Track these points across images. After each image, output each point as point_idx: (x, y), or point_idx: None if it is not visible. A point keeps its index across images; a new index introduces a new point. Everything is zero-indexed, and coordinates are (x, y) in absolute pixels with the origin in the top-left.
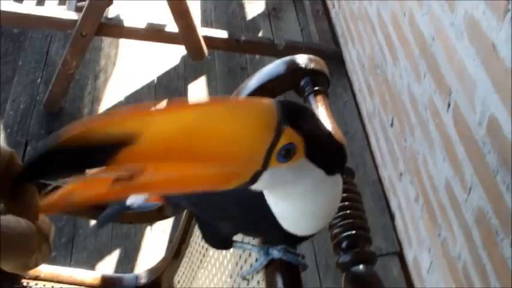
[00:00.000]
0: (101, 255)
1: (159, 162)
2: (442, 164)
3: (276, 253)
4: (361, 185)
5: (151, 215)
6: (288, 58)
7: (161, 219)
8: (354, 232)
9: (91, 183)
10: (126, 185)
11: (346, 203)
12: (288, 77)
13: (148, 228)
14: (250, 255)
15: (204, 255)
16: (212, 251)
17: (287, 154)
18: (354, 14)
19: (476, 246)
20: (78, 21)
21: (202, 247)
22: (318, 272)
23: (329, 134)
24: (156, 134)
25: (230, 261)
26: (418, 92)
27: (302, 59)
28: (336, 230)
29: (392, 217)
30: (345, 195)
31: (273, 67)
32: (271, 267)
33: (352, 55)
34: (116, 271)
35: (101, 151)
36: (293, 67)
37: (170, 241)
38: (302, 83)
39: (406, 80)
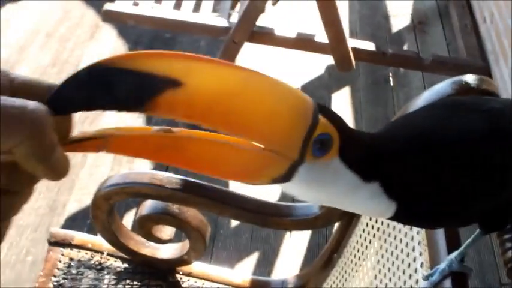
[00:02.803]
0: (240, 256)
1: (199, 119)
2: None
3: (455, 265)
4: None
5: (308, 223)
6: (458, 78)
7: (319, 227)
8: None
9: (128, 135)
10: (162, 138)
11: None
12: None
13: (288, 234)
14: (408, 265)
15: (359, 266)
16: (370, 262)
17: (322, 147)
18: (510, 29)
19: None
20: (232, 29)
21: (358, 258)
22: (497, 265)
23: (367, 136)
24: (200, 85)
25: (392, 271)
26: None
27: (473, 79)
28: (508, 245)
29: None
30: None
31: (444, 86)
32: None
33: (503, 72)
34: (254, 273)
35: (144, 85)
36: (465, 87)
37: (308, 248)
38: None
39: None
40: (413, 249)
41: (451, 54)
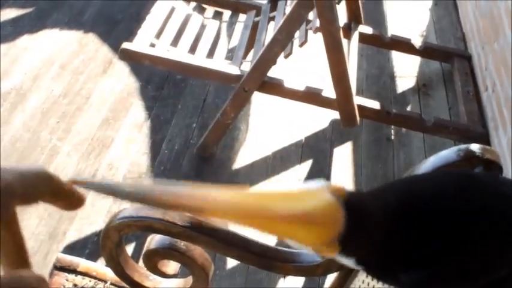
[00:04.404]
0: None
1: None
2: None
3: None
4: None
5: (309, 270)
6: (463, 146)
7: (318, 275)
8: None
9: None
10: None
11: None
12: (463, 164)
13: (281, 279)
14: None
15: None
16: None
17: None
18: (510, 99)
19: None
20: (244, 77)
21: None
22: None
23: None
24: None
25: None
26: None
27: (478, 149)
28: None
29: None
30: None
31: (449, 153)
32: None
33: (501, 140)
34: None
35: None
36: (469, 155)
37: None
38: (476, 171)
39: None
40: None
41: (452, 118)
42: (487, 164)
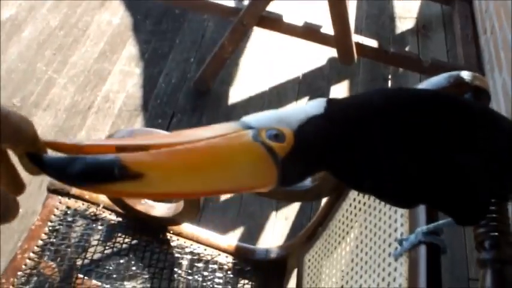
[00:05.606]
0: (225, 229)
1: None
2: None
3: (420, 236)
4: None
5: (299, 195)
6: (454, 72)
7: (309, 201)
8: (496, 234)
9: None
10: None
11: (493, 207)
12: (453, 90)
13: (274, 212)
14: (389, 236)
15: (343, 238)
16: (353, 234)
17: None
18: (508, 42)
19: None
20: (242, 11)
21: (342, 230)
22: (467, 261)
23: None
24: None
25: (374, 240)
26: None
27: (468, 75)
28: (480, 230)
29: None
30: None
31: (440, 79)
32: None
33: (496, 83)
34: None
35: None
36: (459, 81)
37: (291, 228)
38: (465, 97)
39: None
40: (396, 221)
41: (450, 60)
42: (476, 91)
